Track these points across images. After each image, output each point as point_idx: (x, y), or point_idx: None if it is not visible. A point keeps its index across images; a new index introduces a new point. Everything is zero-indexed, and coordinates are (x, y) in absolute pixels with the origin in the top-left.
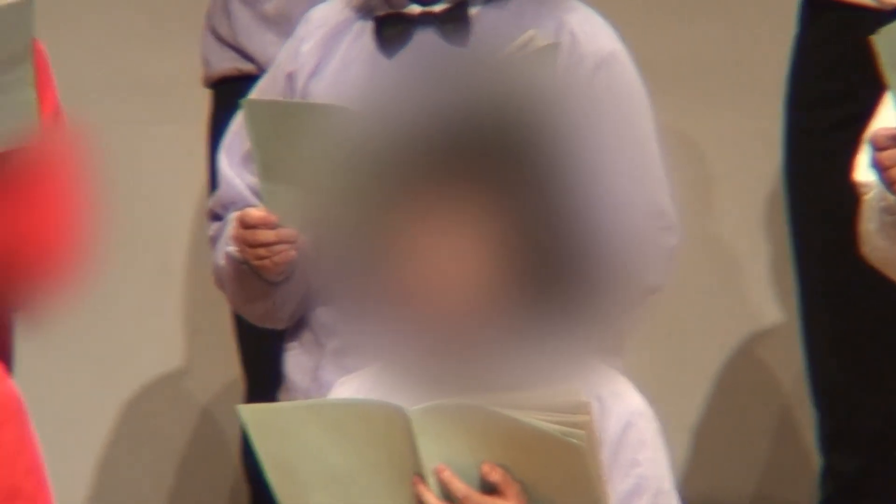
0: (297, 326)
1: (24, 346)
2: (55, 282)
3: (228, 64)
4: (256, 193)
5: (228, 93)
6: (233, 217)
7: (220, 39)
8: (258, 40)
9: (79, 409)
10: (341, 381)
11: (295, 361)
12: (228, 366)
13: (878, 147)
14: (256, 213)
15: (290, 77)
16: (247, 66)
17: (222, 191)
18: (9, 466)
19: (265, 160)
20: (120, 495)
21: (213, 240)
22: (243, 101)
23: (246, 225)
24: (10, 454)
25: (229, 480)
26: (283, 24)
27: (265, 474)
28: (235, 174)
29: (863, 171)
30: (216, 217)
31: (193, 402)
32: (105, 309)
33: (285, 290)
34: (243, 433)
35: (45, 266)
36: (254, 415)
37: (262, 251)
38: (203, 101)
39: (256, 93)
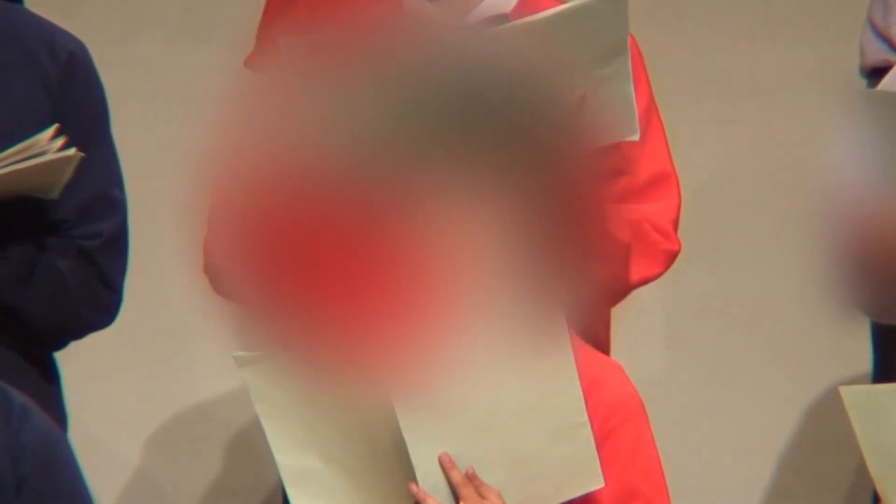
0: None
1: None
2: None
3: (879, 55)
4: None
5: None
6: None
7: (875, 30)
8: None
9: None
10: None
11: None
12: None
13: None
14: None
15: None
16: (894, 58)
17: None
18: (626, 466)
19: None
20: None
21: None
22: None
23: None
24: (628, 454)
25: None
26: None
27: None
28: None
29: None
30: None
31: None
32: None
33: None
34: None
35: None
36: (854, 397)
37: None
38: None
39: (881, 85)
